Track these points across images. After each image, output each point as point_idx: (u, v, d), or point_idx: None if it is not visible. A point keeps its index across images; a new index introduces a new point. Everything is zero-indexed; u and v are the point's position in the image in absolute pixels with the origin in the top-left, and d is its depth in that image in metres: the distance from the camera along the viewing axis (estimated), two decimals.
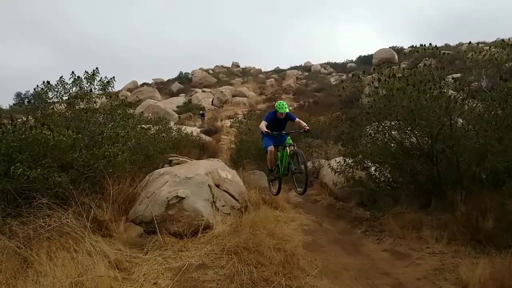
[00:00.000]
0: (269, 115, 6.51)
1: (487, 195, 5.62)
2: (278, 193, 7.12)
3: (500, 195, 5.31)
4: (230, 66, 56.22)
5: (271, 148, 6.39)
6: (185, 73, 50.64)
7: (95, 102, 6.64)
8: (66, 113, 6.51)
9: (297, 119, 6.54)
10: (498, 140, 5.60)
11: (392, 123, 7.32)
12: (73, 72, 6.50)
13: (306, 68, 55.11)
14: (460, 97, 6.55)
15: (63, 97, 6.60)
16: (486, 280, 3.78)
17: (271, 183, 7.18)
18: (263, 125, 6.28)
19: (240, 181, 7.39)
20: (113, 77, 6.77)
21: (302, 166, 5.74)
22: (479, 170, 5.81)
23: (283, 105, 6.30)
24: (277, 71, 55.62)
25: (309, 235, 6.34)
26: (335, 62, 56.99)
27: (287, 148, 6.17)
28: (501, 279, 3.78)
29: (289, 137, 6.37)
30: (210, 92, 39.56)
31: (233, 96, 37.53)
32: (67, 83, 6.51)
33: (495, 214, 5.24)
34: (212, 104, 36.22)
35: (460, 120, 6.75)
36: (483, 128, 5.98)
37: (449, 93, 6.76)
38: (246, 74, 51.86)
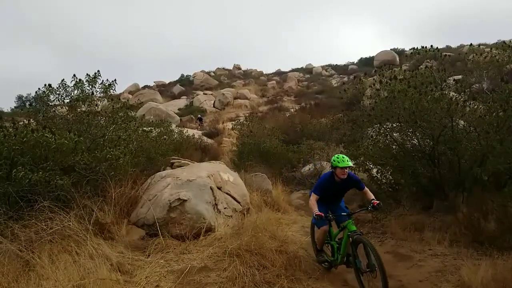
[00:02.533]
0: (322, 180, 4.63)
1: (488, 197, 5.61)
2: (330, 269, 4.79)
3: (502, 197, 5.30)
4: (231, 69, 56.27)
5: (325, 228, 4.55)
6: (186, 75, 50.68)
7: (96, 105, 6.66)
8: (68, 116, 6.53)
9: (365, 187, 4.68)
10: (500, 142, 5.59)
11: (394, 125, 7.31)
12: (74, 75, 6.54)
13: (308, 70, 55.07)
14: (462, 99, 6.54)
15: (64, 100, 6.63)
16: (488, 282, 3.77)
17: (320, 262, 4.86)
18: (313, 200, 4.41)
19: (242, 183, 7.40)
20: (115, 80, 6.81)
21: (375, 262, 3.79)
22: (480, 171, 5.79)
23: (343, 158, 4.36)
24: (279, 73, 55.58)
25: None
26: (336, 64, 57.02)
27: (349, 235, 4.21)
28: (503, 280, 3.77)
29: (351, 221, 4.33)
30: (211, 94, 39.54)
31: (235, 98, 37.51)
32: (69, 86, 6.54)
33: (497, 215, 5.23)
34: (214, 107, 36.21)
35: (462, 122, 6.75)
36: (485, 129, 5.98)
37: (451, 95, 6.76)
38: (248, 76, 51.89)
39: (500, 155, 5.53)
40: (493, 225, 5.25)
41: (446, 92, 6.81)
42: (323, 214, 4.19)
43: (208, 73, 50.74)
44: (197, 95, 39.12)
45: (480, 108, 6.44)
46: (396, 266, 4.91)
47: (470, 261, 4.45)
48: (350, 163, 4.41)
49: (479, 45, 26.34)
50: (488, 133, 5.83)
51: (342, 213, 4.49)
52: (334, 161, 4.43)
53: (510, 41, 12.97)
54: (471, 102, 6.69)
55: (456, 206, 6.17)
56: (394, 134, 7.39)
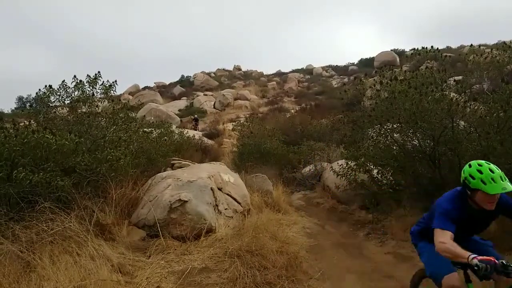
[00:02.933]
0: (449, 205, 2.59)
1: None
2: None
3: None
4: (232, 69, 56.32)
5: (453, 280, 2.62)
6: (186, 76, 50.68)
7: (97, 106, 6.67)
8: (68, 117, 6.54)
9: None
10: (500, 142, 5.59)
11: (394, 125, 7.31)
12: (75, 76, 6.55)
13: (308, 71, 55.09)
14: (462, 100, 6.54)
15: (65, 101, 6.64)
16: (489, 282, 3.76)
17: None
18: (448, 240, 2.40)
19: (242, 184, 7.41)
20: (115, 81, 6.83)
21: None
22: None
23: (491, 175, 2.38)
24: (279, 74, 55.60)
25: (312, 238, 6.34)
26: (336, 65, 56.99)
27: None
28: None
29: None
30: (212, 95, 39.54)
31: (235, 99, 37.50)
32: (69, 87, 6.55)
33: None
34: (214, 107, 36.23)
35: (462, 123, 6.75)
36: (485, 130, 5.97)
37: (451, 95, 6.76)
38: (248, 77, 51.88)
39: (501, 155, 5.52)
40: (493, 226, 5.23)
41: (447, 92, 6.81)
42: (494, 260, 2.21)
43: (209, 74, 50.75)
44: (198, 96, 39.15)
45: (481, 109, 6.43)
46: (396, 267, 4.92)
47: None
48: (510, 186, 2.35)
49: (479, 45, 26.36)
50: (489, 133, 5.83)
51: None
52: (473, 176, 2.45)
53: (510, 42, 13.00)
54: (472, 103, 6.69)
55: None
56: (395, 135, 7.39)
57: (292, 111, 28.87)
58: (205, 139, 19.07)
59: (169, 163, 8.25)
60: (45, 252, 3.92)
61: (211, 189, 5.98)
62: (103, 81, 6.74)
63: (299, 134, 17.06)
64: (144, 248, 4.85)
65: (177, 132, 14.36)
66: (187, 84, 46.60)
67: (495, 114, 5.99)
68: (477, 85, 13.61)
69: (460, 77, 12.98)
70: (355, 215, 8.04)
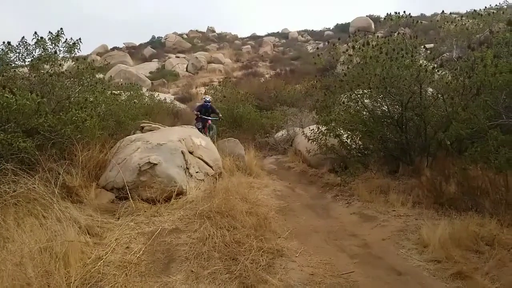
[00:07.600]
0: None
1: (451, 161, 5.86)
2: None
3: (463, 161, 5.54)
4: (205, 31, 54.56)
5: None
6: (158, 37, 48.83)
7: (60, 65, 6.33)
8: (30, 76, 6.19)
9: None
10: (463, 108, 5.78)
11: (365, 91, 7.41)
12: (35, 33, 6.14)
13: (284, 35, 54.19)
14: (430, 66, 6.66)
15: (25, 60, 6.24)
16: (445, 240, 4.01)
17: None
18: None
19: (214, 148, 7.39)
20: (79, 39, 6.45)
21: None
22: (444, 137, 6.01)
23: None
24: (254, 37, 54.47)
25: (282, 200, 6.49)
26: (312, 30, 56.38)
27: None
28: (459, 238, 4.01)
29: None
30: (184, 57, 38.43)
31: (209, 62, 36.62)
32: (30, 44, 6.14)
33: (458, 179, 5.48)
34: (187, 71, 35.33)
35: (430, 89, 6.91)
36: (450, 96, 6.15)
37: (420, 62, 6.86)
38: (222, 39, 50.47)
39: (464, 121, 5.74)
40: (454, 188, 5.51)
41: (417, 59, 6.90)
42: None
43: (181, 35, 48.96)
44: (169, 58, 37.94)
45: (447, 75, 6.59)
46: (361, 226, 5.14)
47: (430, 221, 4.69)
48: None
49: (451, 13, 26.59)
50: (453, 99, 6.01)
51: None
52: None
53: (480, 10, 13.18)
54: (439, 69, 6.83)
55: (420, 170, 6.43)
56: (365, 101, 7.51)
57: (267, 76, 28.65)
58: (177, 103, 18.71)
59: (139, 126, 8.08)
60: (9, 214, 3.81)
61: (182, 152, 5.94)
62: (66, 39, 6.36)
63: (273, 99, 17.07)
64: (113, 210, 4.81)
65: (147, 95, 14.02)
66: (158, 46, 44.94)
67: (460, 80, 6.15)
68: (448, 53, 13.87)
69: (431, 45, 13.16)
70: (324, 178, 8.25)
